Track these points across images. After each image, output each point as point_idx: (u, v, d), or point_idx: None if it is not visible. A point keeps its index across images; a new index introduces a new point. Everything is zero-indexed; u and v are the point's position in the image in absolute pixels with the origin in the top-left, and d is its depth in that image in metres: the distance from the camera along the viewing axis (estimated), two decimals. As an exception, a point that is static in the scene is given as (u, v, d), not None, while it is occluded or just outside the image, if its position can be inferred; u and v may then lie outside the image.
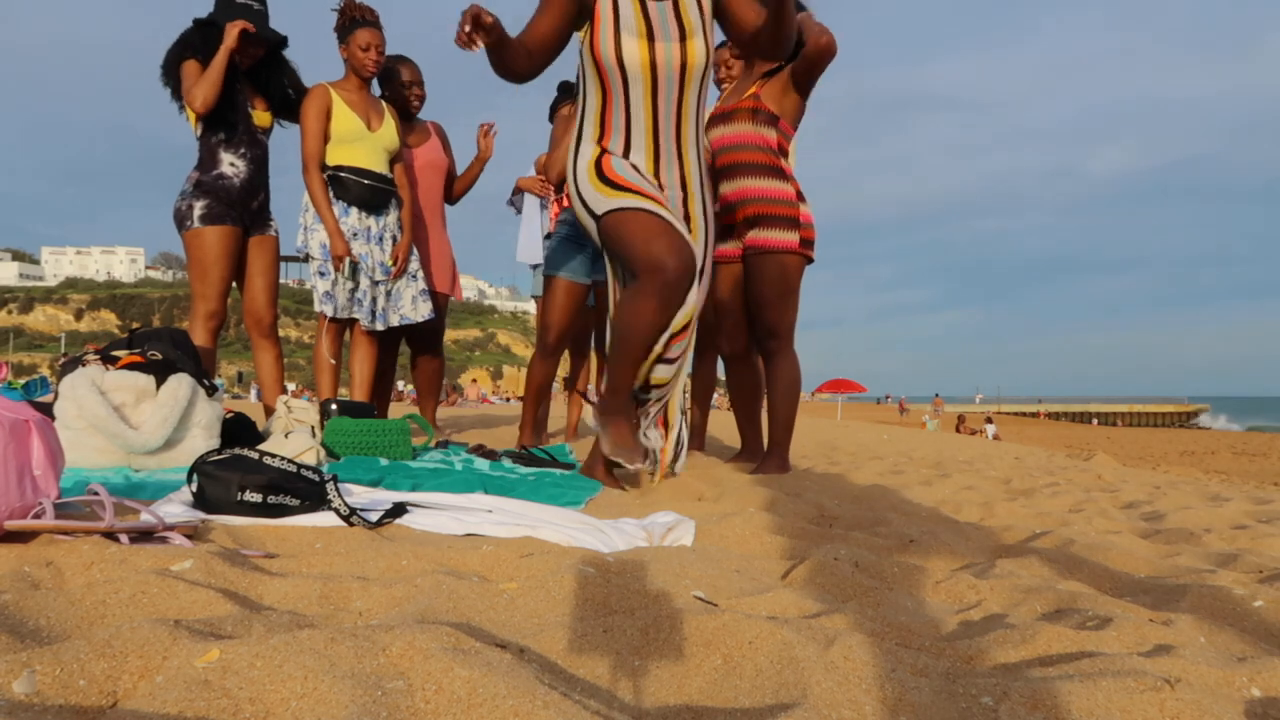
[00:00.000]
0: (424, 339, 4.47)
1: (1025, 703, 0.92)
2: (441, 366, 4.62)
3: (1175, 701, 0.92)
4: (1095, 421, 51.17)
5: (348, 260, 3.79)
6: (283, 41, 3.75)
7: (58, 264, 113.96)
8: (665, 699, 0.99)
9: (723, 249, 3.38)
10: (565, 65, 4.50)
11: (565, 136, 3.95)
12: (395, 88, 4.20)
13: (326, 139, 3.85)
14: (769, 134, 3.21)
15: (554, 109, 4.22)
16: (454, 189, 4.52)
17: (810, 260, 3.30)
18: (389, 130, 3.95)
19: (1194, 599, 1.43)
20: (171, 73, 3.57)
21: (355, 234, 3.89)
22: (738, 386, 3.59)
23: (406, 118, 4.27)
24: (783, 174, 3.23)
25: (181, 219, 3.57)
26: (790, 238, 3.19)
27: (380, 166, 3.91)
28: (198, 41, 3.53)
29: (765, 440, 3.51)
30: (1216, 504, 3.22)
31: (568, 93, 4.24)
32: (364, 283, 3.91)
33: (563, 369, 5.62)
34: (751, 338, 3.44)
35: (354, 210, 3.88)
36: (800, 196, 3.26)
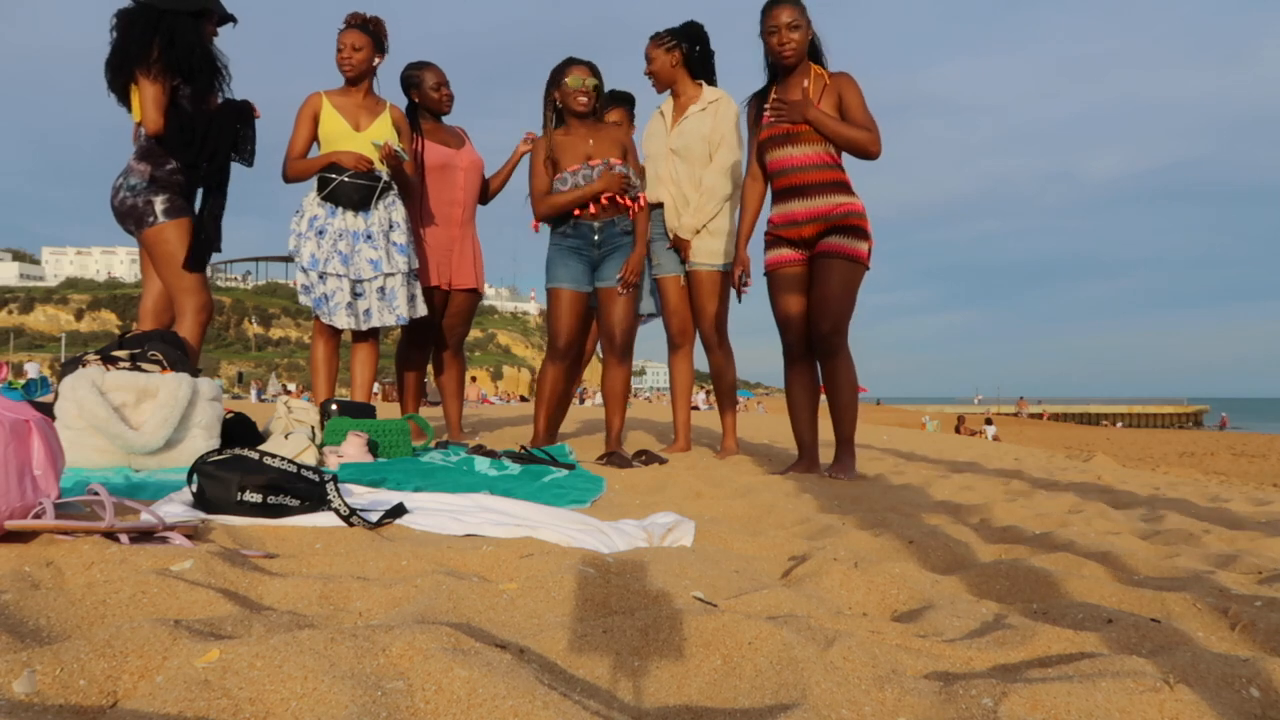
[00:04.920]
0: (454, 338, 4.51)
1: (1025, 703, 0.92)
2: (463, 366, 4.64)
3: (1175, 702, 0.92)
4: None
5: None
6: (233, 20, 3.68)
7: (58, 264, 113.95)
8: (665, 699, 0.99)
9: (787, 254, 3.44)
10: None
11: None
12: (424, 92, 4.26)
13: (319, 144, 3.96)
14: (834, 150, 3.34)
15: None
16: (490, 188, 4.57)
17: (868, 269, 3.39)
18: (380, 129, 3.96)
19: (1193, 600, 1.43)
20: (138, 52, 3.36)
21: (341, 234, 3.91)
22: (804, 391, 3.52)
23: (440, 119, 4.34)
24: (849, 188, 3.36)
25: (141, 215, 3.45)
26: (861, 247, 3.32)
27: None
28: (166, 30, 3.37)
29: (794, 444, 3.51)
30: (1216, 505, 3.22)
31: (615, 100, 4.39)
32: (344, 286, 3.91)
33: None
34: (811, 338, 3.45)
35: (340, 211, 3.91)
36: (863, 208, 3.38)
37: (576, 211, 3.75)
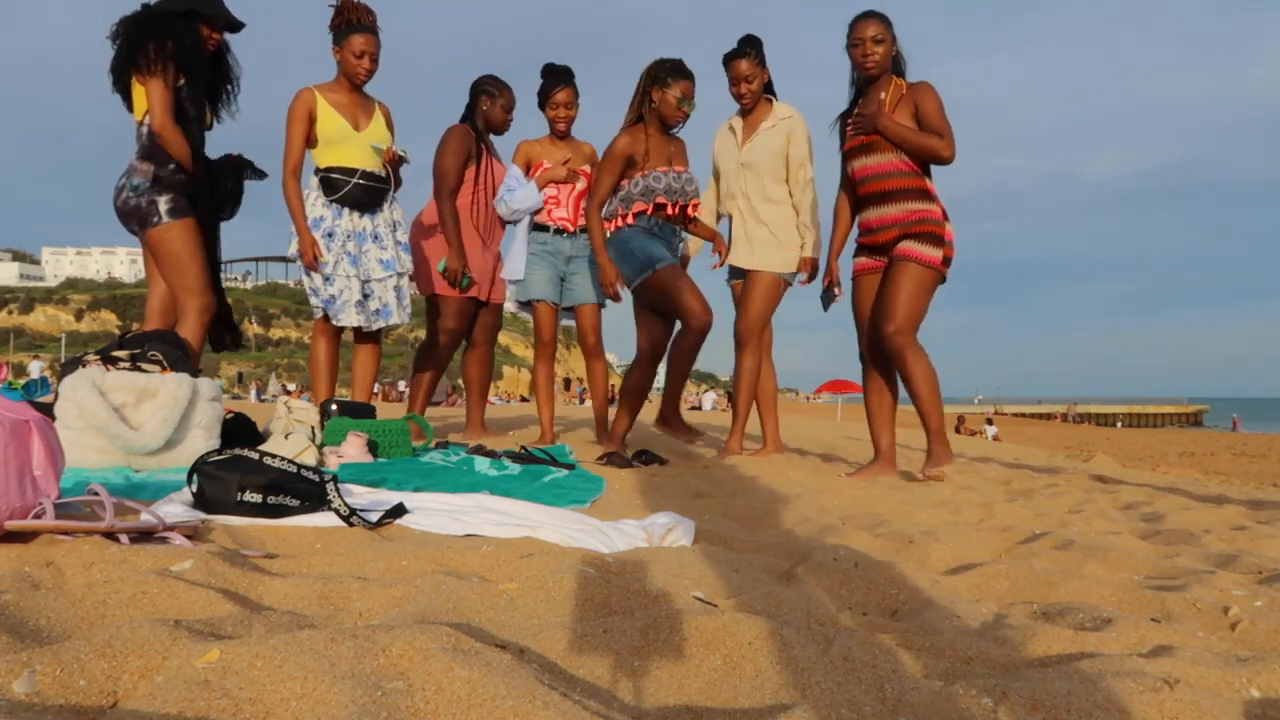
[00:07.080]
0: (492, 335, 4.59)
1: (1025, 703, 0.92)
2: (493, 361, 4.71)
3: (1175, 702, 0.92)
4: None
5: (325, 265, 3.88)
6: (240, 26, 3.67)
7: (58, 264, 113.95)
8: (665, 699, 0.99)
9: (865, 262, 3.63)
10: (548, 51, 4.44)
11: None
12: (496, 110, 4.29)
13: (314, 142, 3.88)
14: (909, 157, 3.42)
15: (544, 95, 4.22)
16: None
17: (944, 279, 3.47)
18: (378, 129, 3.94)
19: (1193, 600, 1.43)
20: (133, 53, 3.38)
21: (349, 235, 3.89)
22: (875, 394, 3.68)
23: (496, 134, 4.40)
24: (929, 195, 3.44)
25: (146, 215, 3.45)
26: (935, 254, 3.40)
27: (370, 164, 3.90)
28: (160, 29, 3.38)
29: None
30: (1216, 505, 3.22)
31: (560, 77, 4.23)
32: (353, 286, 3.90)
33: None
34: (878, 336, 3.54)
35: (347, 212, 3.89)
36: (945, 215, 3.44)
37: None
